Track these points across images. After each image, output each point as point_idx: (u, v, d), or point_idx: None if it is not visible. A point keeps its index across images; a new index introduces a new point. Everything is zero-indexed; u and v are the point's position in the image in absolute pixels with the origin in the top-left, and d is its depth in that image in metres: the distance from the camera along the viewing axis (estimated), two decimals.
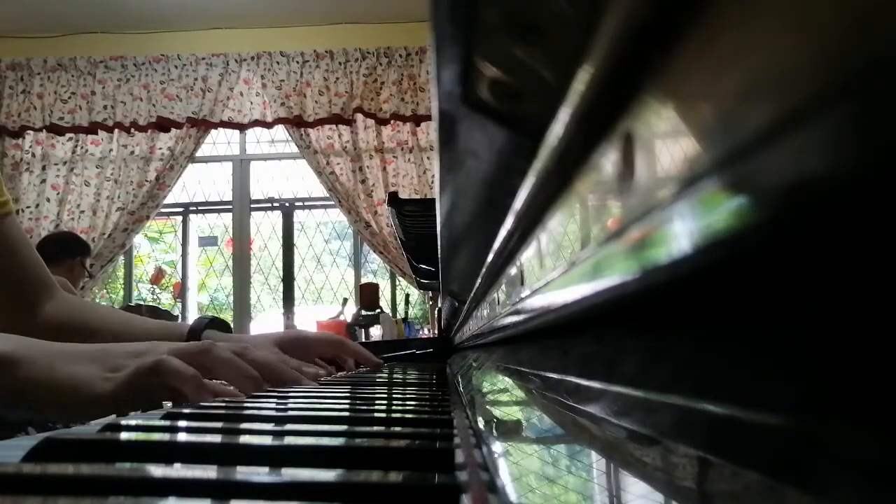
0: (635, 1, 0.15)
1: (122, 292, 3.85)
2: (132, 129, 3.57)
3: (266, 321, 3.85)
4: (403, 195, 3.19)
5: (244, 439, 0.29)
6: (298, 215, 3.89)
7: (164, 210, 3.71)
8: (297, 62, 3.60)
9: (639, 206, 0.17)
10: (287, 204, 3.86)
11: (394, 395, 0.61)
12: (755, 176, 0.11)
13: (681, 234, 0.14)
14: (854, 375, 0.09)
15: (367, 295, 3.02)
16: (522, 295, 0.40)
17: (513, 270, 0.46)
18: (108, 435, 0.28)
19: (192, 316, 3.66)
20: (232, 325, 1.23)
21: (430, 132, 3.51)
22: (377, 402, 0.54)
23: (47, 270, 0.82)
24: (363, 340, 2.85)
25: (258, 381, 0.55)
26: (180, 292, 3.84)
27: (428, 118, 3.47)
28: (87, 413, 0.48)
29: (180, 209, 3.85)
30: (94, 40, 3.63)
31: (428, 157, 3.54)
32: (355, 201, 3.53)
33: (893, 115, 0.07)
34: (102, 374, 0.48)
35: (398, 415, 0.46)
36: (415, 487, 0.19)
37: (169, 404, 0.49)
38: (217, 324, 0.85)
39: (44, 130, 3.55)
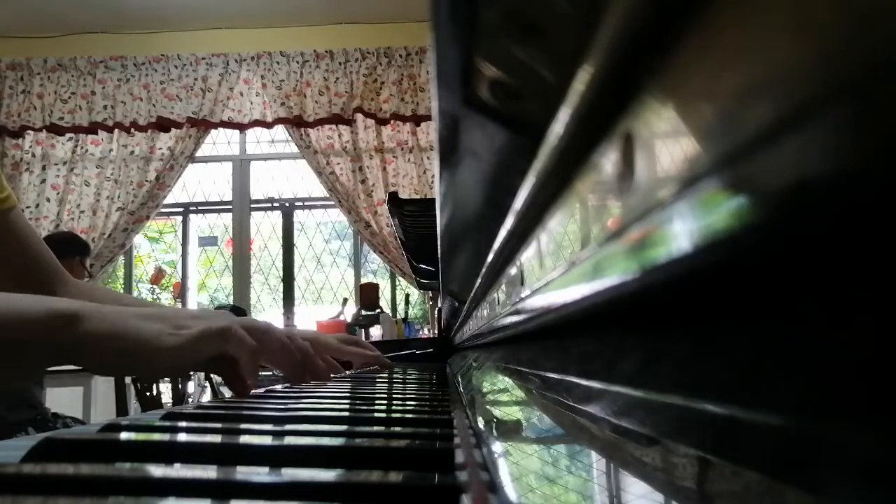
0: (635, 1, 0.15)
1: (122, 292, 3.85)
2: (132, 129, 3.57)
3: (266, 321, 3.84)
4: (403, 195, 3.19)
5: (244, 439, 0.29)
6: (298, 215, 3.89)
7: (164, 210, 3.72)
8: (297, 62, 3.60)
9: (638, 206, 0.17)
10: (287, 204, 3.86)
11: (394, 395, 0.61)
12: (755, 176, 0.11)
13: (680, 234, 0.14)
14: (854, 375, 0.09)
15: (367, 295, 3.02)
16: (522, 295, 0.40)
17: (513, 270, 0.46)
18: (108, 435, 0.28)
19: None
20: None
21: (430, 132, 3.51)
22: (377, 401, 0.54)
23: (57, 260, 0.83)
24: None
25: (304, 372, 0.65)
26: (180, 292, 3.84)
27: (428, 118, 3.47)
28: (152, 365, 0.49)
29: (180, 209, 3.86)
30: (94, 40, 3.63)
31: (428, 157, 3.54)
32: (355, 201, 3.53)
33: (893, 115, 0.07)
34: (169, 330, 0.50)
35: (398, 415, 0.46)
36: (415, 487, 0.19)
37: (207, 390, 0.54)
38: (234, 311, 0.91)
39: (44, 130, 3.55)
